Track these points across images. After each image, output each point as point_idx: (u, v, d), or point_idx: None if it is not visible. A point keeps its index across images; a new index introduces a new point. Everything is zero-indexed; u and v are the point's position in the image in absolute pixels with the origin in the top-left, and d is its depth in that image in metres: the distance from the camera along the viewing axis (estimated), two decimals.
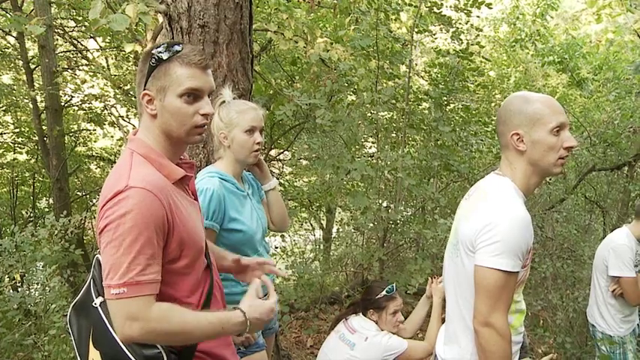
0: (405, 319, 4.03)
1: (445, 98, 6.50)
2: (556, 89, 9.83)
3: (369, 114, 6.44)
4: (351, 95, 7.01)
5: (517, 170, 2.16)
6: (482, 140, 6.82)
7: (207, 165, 3.20)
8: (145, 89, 1.80)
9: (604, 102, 8.41)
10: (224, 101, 2.85)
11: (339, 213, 9.35)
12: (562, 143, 2.10)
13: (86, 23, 8.60)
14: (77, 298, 1.93)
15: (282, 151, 9.76)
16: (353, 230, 7.89)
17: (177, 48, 1.78)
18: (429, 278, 4.08)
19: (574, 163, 7.83)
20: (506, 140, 2.16)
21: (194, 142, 1.89)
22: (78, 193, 10.89)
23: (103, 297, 1.78)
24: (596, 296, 4.22)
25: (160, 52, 1.78)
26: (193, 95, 1.79)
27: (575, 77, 9.64)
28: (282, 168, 10.31)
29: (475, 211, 2.13)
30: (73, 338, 1.89)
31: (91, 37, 9.63)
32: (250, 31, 3.68)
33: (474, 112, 7.12)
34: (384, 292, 3.72)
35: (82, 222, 5.74)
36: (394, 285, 3.81)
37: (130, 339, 1.67)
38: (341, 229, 8.43)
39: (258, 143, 2.82)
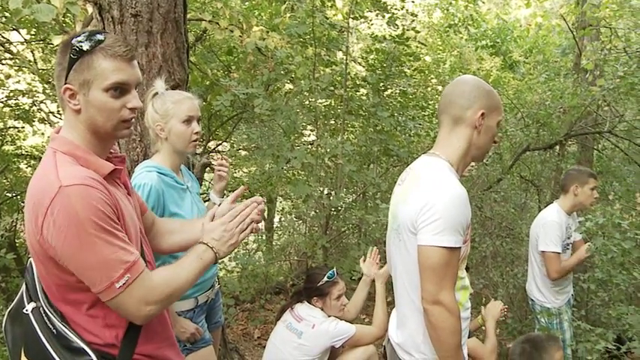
0: None
1: (383, 84, 6.53)
2: (490, 72, 10.04)
3: (308, 102, 6.41)
4: (288, 84, 6.97)
5: (459, 148, 2.20)
6: (420, 124, 6.89)
7: (144, 159, 3.12)
8: (66, 83, 1.68)
9: (535, 84, 8.63)
10: (157, 93, 2.76)
11: (281, 202, 9.32)
12: (495, 136, 2.25)
13: (7, 14, 8.22)
14: (12, 305, 1.84)
15: (220, 142, 9.63)
16: (295, 219, 7.87)
17: (98, 37, 1.68)
18: (362, 257, 4.13)
19: (509, 144, 8.03)
20: (464, 114, 2.18)
21: (122, 136, 1.81)
22: (7, 194, 10.46)
23: (36, 303, 1.72)
24: (533, 271, 4.36)
25: (80, 43, 1.66)
26: (120, 89, 1.70)
27: (507, 60, 9.90)
28: (221, 159, 10.16)
29: (412, 194, 2.15)
30: (7, 347, 1.81)
31: (14, 29, 9.22)
32: (185, 20, 3.59)
33: (411, 96, 7.19)
34: (325, 278, 3.73)
35: (14, 224, 5.51)
36: (334, 270, 3.83)
37: (150, 317, 1.69)
38: (283, 219, 8.40)
39: (196, 133, 2.77)
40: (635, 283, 4.35)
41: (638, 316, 3.74)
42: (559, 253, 4.12)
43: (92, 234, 1.55)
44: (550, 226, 4.15)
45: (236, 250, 6.68)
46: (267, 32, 5.92)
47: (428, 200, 2.04)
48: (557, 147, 8.01)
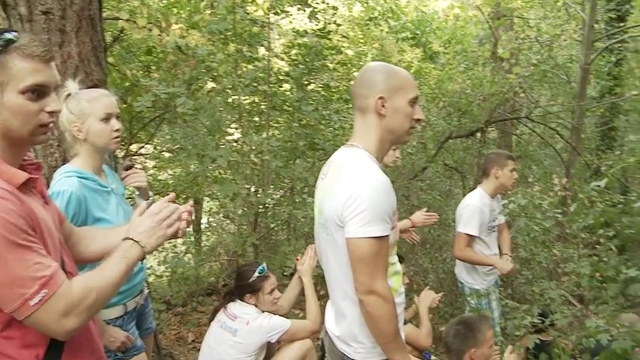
0: None
1: (306, 78, 6.52)
2: (411, 63, 10.22)
3: (231, 99, 6.33)
4: (211, 82, 6.85)
5: (373, 136, 2.22)
6: (344, 117, 6.93)
7: (63, 164, 2.98)
8: None
9: (455, 73, 8.86)
10: (69, 94, 2.63)
11: (208, 202, 9.19)
12: (414, 115, 2.22)
13: None
14: None
15: (143, 145, 9.38)
16: (223, 218, 7.77)
17: (9, 36, 1.56)
18: (300, 255, 4.14)
19: (432, 133, 8.21)
20: (367, 103, 2.20)
21: (38, 142, 1.71)
22: None
23: None
24: None
25: None
26: (38, 92, 1.59)
27: (427, 51, 10.11)
28: (145, 162, 9.93)
29: (335, 187, 2.15)
30: None
31: None
32: (101, 18, 3.46)
33: (334, 90, 7.22)
34: (256, 274, 3.71)
35: None
36: (265, 264, 3.82)
37: (73, 332, 1.57)
38: (211, 219, 8.28)
39: (116, 130, 2.65)
40: (556, 260, 4.56)
41: (558, 290, 3.94)
42: (472, 236, 4.27)
43: (2, 250, 1.45)
44: (470, 210, 4.30)
45: (165, 254, 6.56)
46: (187, 30, 5.80)
47: (352, 192, 2.04)
48: (479, 134, 8.27)
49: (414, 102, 2.22)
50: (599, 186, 4.00)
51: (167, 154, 8.89)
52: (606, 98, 9.39)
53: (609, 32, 8.67)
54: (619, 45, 8.95)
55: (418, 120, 2.27)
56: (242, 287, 3.73)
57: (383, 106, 2.17)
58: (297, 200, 6.75)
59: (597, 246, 4.02)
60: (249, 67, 6.20)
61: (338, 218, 2.10)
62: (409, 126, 2.24)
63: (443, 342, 3.43)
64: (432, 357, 3.52)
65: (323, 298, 4.17)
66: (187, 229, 1.90)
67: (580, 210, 4.09)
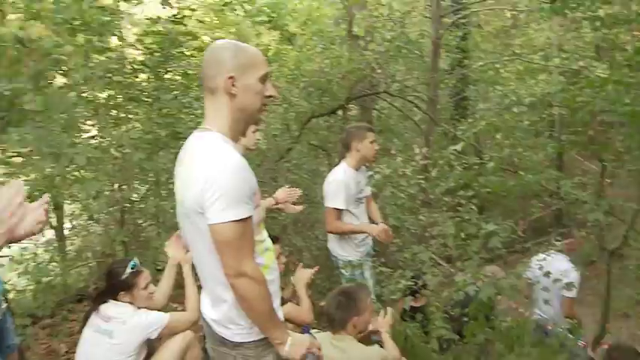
0: None
1: (163, 66, 6.35)
2: (269, 46, 10.26)
3: (86, 94, 6.01)
4: (62, 77, 6.46)
5: (225, 117, 2.18)
6: None
7: None
8: None
9: (313, 54, 9.02)
10: None
11: (70, 205, 8.74)
12: (265, 92, 2.21)
13: None
14: None
15: None
16: (88, 220, 7.43)
17: None
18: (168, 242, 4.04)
19: (295, 114, 8.30)
20: (216, 83, 2.16)
21: None
22: None
23: None
24: None
25: None
26: None
27: (284, 33, 10.20)
28: None
29: (192, 174, 2.12)
30: None
31: None
32: None
33: (193, 77, 7.08)
34: (128, 269, 3.56)
35: None
36: (136, 259, 3.69)
37: None
38: (75, 222, 7.88)
39: None
40: (422, 224, 4.77)
41: (427, 253, 4.16)
42: (339, 209, 4.39)
43: None
44: (335, 185, 4.42)
45: (25, 265, 6.17)
46: (27, 20, 5.40)
47: (207, 178, 2.01)
48: (340, 111, 8.47)
49: (264, 79, 2.20)
50: (456, 150, 4.23)
51: (18, 159, 8.31)
52: (456, 70, 10.00)
53: (454, 8, 9.17)
54: (464, 20, 9.50)
55: (270, 97, 2.25)
56: (114, 286, 3.57)
57: (233, 85, 2.13)
58: (163, 193, 6.57)
59: (459, 208, 4.25)
60: (102, 58, 5.92)
61: (198, 205, 2.07)
62: (261, 103, 2.22)
63: (325, 315, 3.49)
64: (311, 330, 3.56)
65: (201, 288, 4.10)
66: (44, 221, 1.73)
67: (441, 174, 4.31)
